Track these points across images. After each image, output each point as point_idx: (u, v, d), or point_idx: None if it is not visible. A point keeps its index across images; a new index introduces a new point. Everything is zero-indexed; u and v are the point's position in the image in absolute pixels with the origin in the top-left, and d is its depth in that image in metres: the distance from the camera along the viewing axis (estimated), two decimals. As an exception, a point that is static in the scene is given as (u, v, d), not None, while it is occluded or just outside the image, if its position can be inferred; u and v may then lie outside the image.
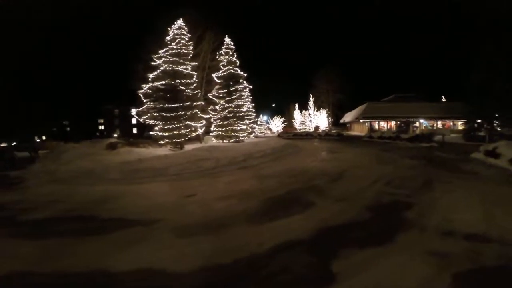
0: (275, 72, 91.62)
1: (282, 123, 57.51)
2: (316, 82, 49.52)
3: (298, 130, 50.79)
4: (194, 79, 16.78)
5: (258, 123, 58.15)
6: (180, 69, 15.67)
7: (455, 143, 18.81)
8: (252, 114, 25.64)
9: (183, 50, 15.98)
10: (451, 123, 33.29)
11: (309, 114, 54.91)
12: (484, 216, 4.40)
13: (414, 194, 5.86)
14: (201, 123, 17.15)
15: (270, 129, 57.40)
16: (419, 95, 39.18)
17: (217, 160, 12.11)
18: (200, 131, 17.10)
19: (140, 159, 11.45)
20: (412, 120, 32.80)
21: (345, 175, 8.32)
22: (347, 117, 48.63)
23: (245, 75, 20.16)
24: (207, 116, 18.16)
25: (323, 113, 53.40)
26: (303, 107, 56.44)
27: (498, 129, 21.12)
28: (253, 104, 26.21)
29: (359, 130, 41.17)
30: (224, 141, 18.96)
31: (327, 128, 50.16)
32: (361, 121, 36.96)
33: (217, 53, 20.54)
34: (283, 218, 4.53)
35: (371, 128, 34.49)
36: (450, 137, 22.29)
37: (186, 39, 16.16)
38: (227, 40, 20.05)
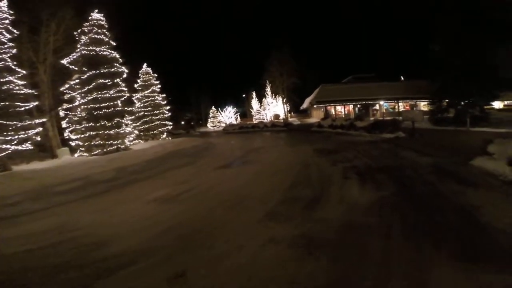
0: (234, 57, 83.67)
1: (235, 114, 50.92)
2: (268, 66, 43.05)
3: (254, 120, 45.13)
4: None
5: (211, 115, 51.56)
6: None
7: (427, 130, 13.55)
8: (159, 108, 18.35)
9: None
10: (414, 104, 29.27)
11: (267, 103, 49.16)
12: None
13: None
14: (26, 133, 9.94)
15: (225, 122, 50.61)
16: (379, 75, 34.78)
17: None
18: (10, 147, 9.76)
19: None
20: (372, 102, 28.08)
21: None
22: (306, 103, 43.33)
23: (118, 56, 12.88)
24: (40, 120, 10.67)
25: (280, 100, 47.65)
26: (263, 95, 50.40)
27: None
28: (163, 95, 18.99)
29: (317, 116, 36.02)
30: (90, 153, 11.67)
31: (283, 117, 44.57)
32: (315, 106, 31.56)
33: (76, 32, 12.84)
34: None
35: (326, 114, 29.17)
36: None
37: (7, 23, 10.61)
38: (96, 15, 12.61)
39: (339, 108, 30.95)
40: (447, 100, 17.16)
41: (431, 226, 3.17)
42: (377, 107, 29.69)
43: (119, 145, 12.29)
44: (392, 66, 44.75)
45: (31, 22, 12.50)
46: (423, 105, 27.80)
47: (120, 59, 12.99)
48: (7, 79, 9.96)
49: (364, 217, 3.49)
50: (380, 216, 3.51)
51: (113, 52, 12.81)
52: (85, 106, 11.76)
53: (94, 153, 11.55)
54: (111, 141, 12.06)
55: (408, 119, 12.09)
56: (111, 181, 7.09)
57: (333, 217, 3.57)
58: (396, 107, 29.16)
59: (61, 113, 12.70)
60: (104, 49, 12.49)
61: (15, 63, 10.53)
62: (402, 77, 35.94)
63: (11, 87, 10.00)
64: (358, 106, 29.10)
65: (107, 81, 11.99)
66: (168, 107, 18.98)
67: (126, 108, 12.83)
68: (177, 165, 8.66)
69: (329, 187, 4.91)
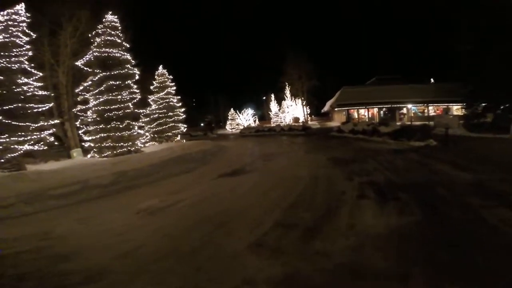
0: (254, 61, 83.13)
1: (253, 116, 50.45)
2: (287, 69, 42.16)
3: (272, 123, 44.49)
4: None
5: (229, 118, 51.67)
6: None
7: (462, 138, 11.92)
8: (173, 110, 18.24)
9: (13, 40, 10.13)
10: (447, 108, 26.75)
11: (286, 105, 48.25)
12: None
13: None
14: (39, 134, 10.22)
15: (243, 125, 50.41)
16: (405, 77, 32.35)
17: None
18: (23, 148, 10.02)
19: None
20: (398, 106, 26.11)
21: None
22: (327, 106, 41.79)
23: (130, 58, 12.85)
24: (53, 121, 10.95)
25: (299, 102, 46.43)
26: (282, 97, 49.63)
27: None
28: (178, 97, 18.94)
29: (339, 119, 34.46)
30: (101, 155, 11.74)
31: (303, 120, 43.27)
32: (336, 109, 30.09)
33: (90, 34, 13.00)
34: None
35: (348, 118, 27.63)
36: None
37: (24, 25, 10.57)
38: (110, 17, 12.71)
39: (362, 111, 29.21)
40: (483, 104, 15.21)
41: (470, 276, 2.25)
42: (404, 110, 27.56)
43: (130, 147, 12.21)
44: (422, 67, 41.51)
45: (51, 25, 12.90)
46: (456, 109, 25.32)
47: (133, 61, 12.96)
48: (23, 81, 10.19)
49: (375, 257, 2.63)
50: (397, 257, 2.63)
51: (125, 53, 12.80)
52: (97, 108, 11.82)
53: (105, 154, 11.54)
54: (122, 143, 12.00)
55: (441, 125, 10.62)
56: (108, 187, 6.80)
57: (334, 254, 2.74)
58: (426, 111, 26.84)
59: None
60: (117, 51, 12.52)
61: (32, 65, 10.78)
62: (432, 79, 33.27)
63: (25, 89, 10.19)
64: (384, 109, 27.24)
65: (118, 82, 11.98)
66: (183, 109, 18.86)
67: (137, 110, 12.74)
68: (179, 171, 8.18)
69: (338, 210, 4.04)
